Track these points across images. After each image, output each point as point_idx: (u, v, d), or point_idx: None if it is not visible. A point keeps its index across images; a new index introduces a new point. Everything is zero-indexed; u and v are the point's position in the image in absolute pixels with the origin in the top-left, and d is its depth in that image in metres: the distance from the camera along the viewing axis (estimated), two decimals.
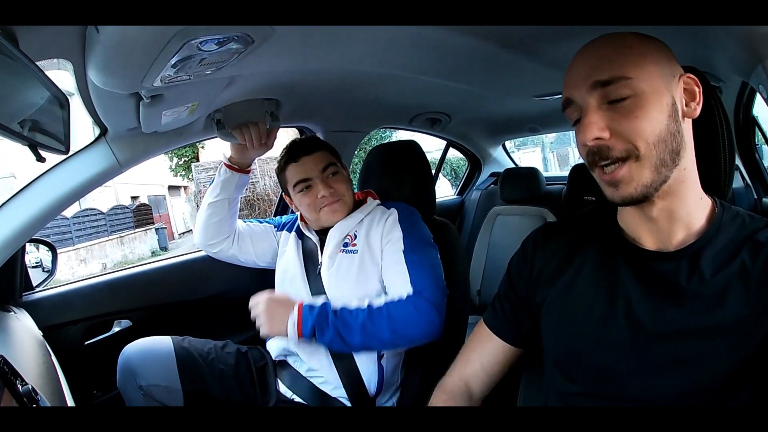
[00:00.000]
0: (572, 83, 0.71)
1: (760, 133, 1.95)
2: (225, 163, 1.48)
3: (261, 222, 1.63)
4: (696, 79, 0.71)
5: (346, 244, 1.42)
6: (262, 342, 1.54)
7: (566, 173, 2.60)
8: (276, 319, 1.26)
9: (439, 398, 0.90)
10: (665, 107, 0.67)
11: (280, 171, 1.49)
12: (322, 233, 1.47)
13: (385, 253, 1.37)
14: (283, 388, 1.42)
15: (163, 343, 1.38)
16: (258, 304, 1.29)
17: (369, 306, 1.26)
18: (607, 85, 0.67)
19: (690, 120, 0.71)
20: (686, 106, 0.70)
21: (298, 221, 1.54)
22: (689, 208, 0.72)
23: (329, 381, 1.35)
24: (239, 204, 1.58)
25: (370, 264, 1.38)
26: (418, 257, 1.33)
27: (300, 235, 1.53)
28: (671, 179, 0.69)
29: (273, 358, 1.48)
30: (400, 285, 1.30)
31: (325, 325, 1.22)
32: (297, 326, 1.24)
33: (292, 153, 1.45)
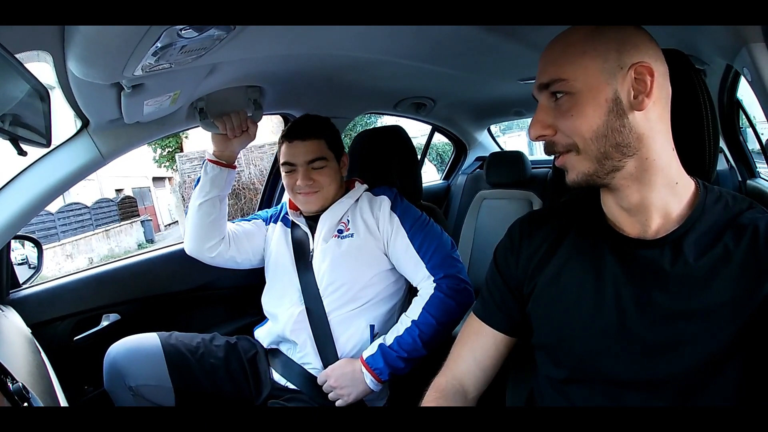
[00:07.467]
0: (535, 83, 0.75)
1: (744, 116, 1.97)
2: (209, 159, 1.42)
3: (249, 219, 1.59)
4: (650, 67, 0.68)
5: (340, 230, 1.42)
6: (250, 331, 1.55)
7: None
8: (354, 385, 1.29)
9: (431, 397, 0.87)
10: (603, 104, 0.68)
11: (279, 142, 1.47)
12: (312, 219, 1.47)
13: (392, 246, 1.39)
14: (276, 376, 1.43)
15: (150, 340, 1.36)
16: (326, 383, 1.31)
17: (410, 320, 1.30)
18: (549, 87, 0.72)
19: (656, 111, 0.70)
20: (634, 98, 0.68)
21: (287, 208, 1.53)
22: (662, 195, 0.72)
23: (317, 367, 1.37)
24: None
25: (374, 245, 1.39)
26: (423, 235, 1.37)
27: (287, 223, 1.52)
28: (627, 168, 0.70)
29: (265, 346, 1.49)
30: (420, 276, 1.37)
31: (394, 361, 1.27)
32: (375, 378, 1.27)
33: (290, 131, 1.43)
